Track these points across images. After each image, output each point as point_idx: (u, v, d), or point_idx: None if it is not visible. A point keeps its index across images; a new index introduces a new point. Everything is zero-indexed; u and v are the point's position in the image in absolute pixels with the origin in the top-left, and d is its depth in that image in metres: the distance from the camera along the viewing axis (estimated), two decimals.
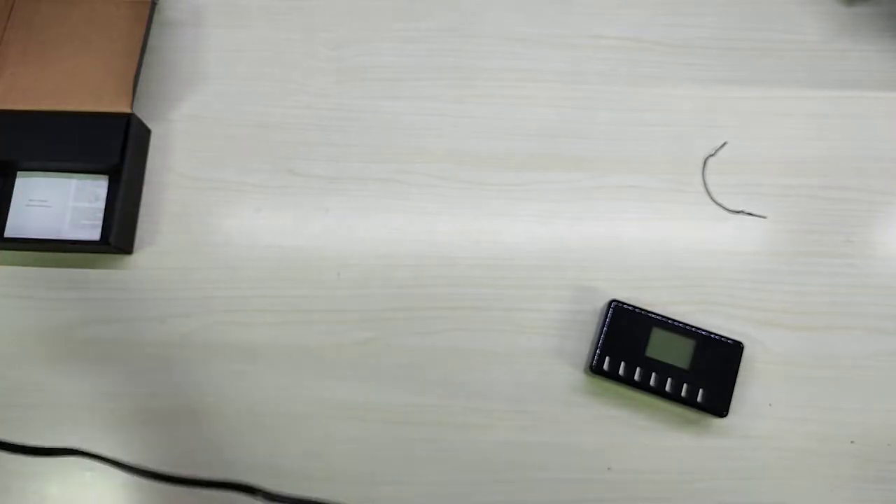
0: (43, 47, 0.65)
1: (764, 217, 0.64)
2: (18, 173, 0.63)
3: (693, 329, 0.58)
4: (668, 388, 0.56)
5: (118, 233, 0.61)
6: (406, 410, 0.59)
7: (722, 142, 0.66)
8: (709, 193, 0.65)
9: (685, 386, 0.56)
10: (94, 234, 0.62)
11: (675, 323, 0.58)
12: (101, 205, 0.63)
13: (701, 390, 0.56)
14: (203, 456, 0.58)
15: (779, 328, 0.61)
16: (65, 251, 0.63)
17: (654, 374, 0.56)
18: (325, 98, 0.68)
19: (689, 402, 0.56)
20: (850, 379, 0.59)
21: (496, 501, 0.57)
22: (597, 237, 0.63)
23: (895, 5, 0.72)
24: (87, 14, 0.66)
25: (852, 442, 0.58)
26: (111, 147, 0.62)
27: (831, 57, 0.70)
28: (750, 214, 0.64)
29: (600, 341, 0.58)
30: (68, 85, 0.63)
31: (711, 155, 0.66)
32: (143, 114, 0.66)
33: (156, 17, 0.68)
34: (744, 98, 0.68)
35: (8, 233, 0.62)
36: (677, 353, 0.57)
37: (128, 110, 0.62)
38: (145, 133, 0.66)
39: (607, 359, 0.57)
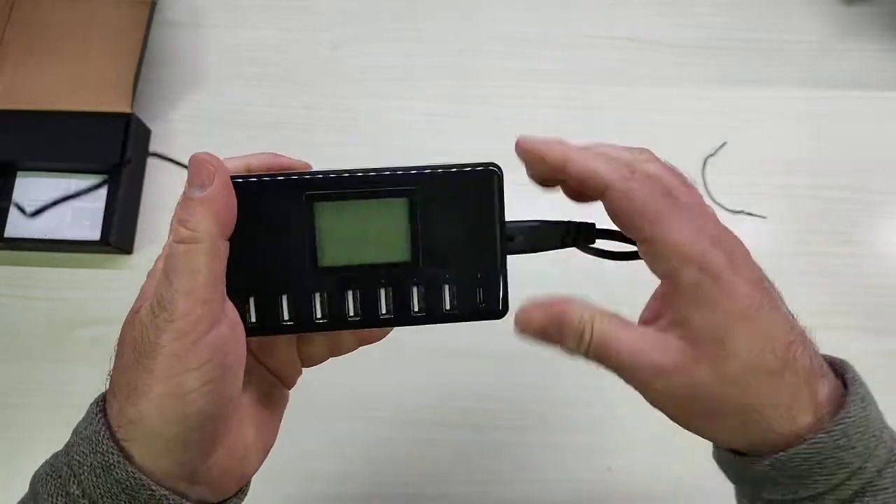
0: (43, 47, 0.65)
1: (764, 217, 0.64)
2: (18, 173, 0.63)
3: (398, 174, 0.30)
4: (384, 308, 0.29)
5: (118, 233, 0.61)
6: (406, 410, 0.59)
7: (722, 142, 0.66)
8: (709, 193, 0.65)
9: (416, 292, 0.29)
10: (94, 234, 0.62)
11: (358, 175, 0.30)
12: (101, 205, 0.62)
13: (447, 288, 0.30)
14: None
15: None
16: (65, 251, 0.63)
17: (350, 295, 0.29)
18: (325, 98, 0.68)
19: (432, 317, 0.30)
20: None
21: (497, 501, 0.57)
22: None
23: (895, 5, 0.72)
24: (88, 14, 0.66)
25: None
26: (111, 147, 0.62)
27: (831, 57, 0.70)
28: (750, 214, 0.64)
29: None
30: (68, 85, 0.63)
31: (711, 155, 0.66)
32: (143, 114, 0.66)
33: (156, 17, 0.68)
34: (744, 98, 0.68)
35: (8, 233, 0.62)
36: (382, 235, 0.29)
37: (128, 110, 0.62)
38: (145, 133, 0.66)
39: (251, 302, 0.29)
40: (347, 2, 0.72)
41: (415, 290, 0.29)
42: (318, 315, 0.29)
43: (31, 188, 0.63)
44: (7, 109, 0.62)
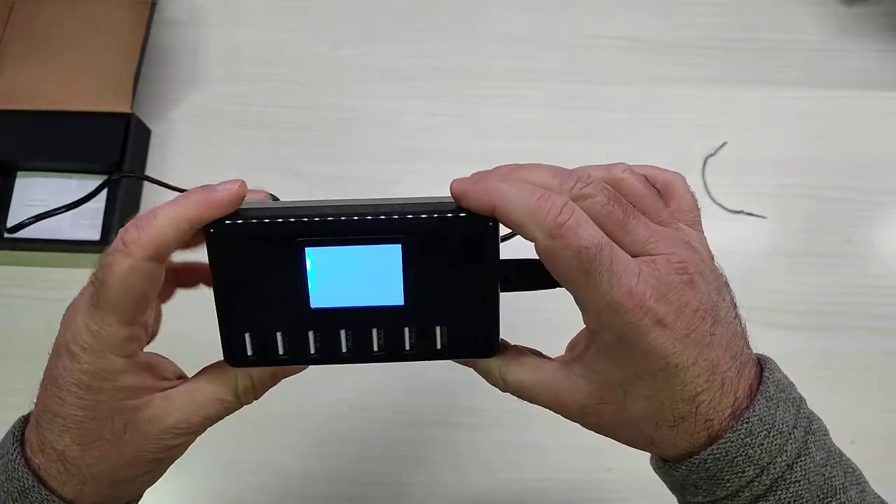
0: (43, 47, 0.65)
1: (764, 217, 0.64)
2: (18, 173, 0.63)
3: (392, 219, 0.28)
4: (376, 346, 0.30)
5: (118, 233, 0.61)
6: (406, 410, 0.59)
7: (722, 142, 0.66)
8: (709, 193, 0.65)
9: (408, 333, 0.30)
10: (94, 234, 0.62)
11: (349, 220, 0.28)
12: (101, 205, 0.62)
13: (439, 329, 0.30)
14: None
15: (779, 328, 0.60)
16: (65, 251, 0.63)
17: (343, 334, 0.30)
18: (325, 98, 0.68)
19: (423, 355, 0.31)
20: (850, 379, 0.59)
21: (496, 501, 0.57)
22: None
23: (895, 5, 0.72)
24: (87, 14, 0.66)
25: (852, 442, 0.58)
26: (111, 147, 0.62)
27: (831, 57, 0.70)
28: (750, 214, 0.64)
29: (221, 312, 0.31)
30: (68, 85, 0.63)
31: (711, 155, 0.66)
32: (143, 114, 0.66)
33: (156, 17, 0.68)
34: (744, 98, 0.68)
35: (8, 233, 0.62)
36: (376, 279, 0.29)
37: (128, 110, 0.62)
38: (145, 133, 0.66)
39: (247, 337, 0.31)
40: (347, 2, 0.72)
41: (407, 331, 0.30)
42: (312, 351, 0.30)
43: (31, 188, 0.63)
44: (7, 109, 0.62)
